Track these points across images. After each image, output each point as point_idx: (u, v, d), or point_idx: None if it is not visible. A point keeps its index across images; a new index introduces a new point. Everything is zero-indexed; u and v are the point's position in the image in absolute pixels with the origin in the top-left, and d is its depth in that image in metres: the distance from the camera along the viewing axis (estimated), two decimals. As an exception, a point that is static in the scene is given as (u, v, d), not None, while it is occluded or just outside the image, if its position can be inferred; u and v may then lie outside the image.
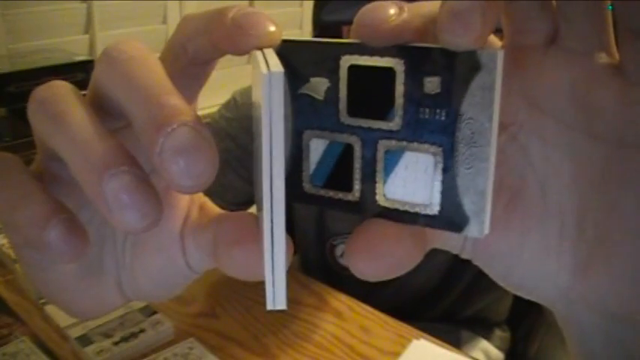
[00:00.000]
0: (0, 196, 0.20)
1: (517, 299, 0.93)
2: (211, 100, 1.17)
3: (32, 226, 0.19)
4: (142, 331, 0.68)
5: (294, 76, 0.21)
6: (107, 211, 0.18)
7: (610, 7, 0.19)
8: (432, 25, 0.19)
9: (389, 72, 0.20)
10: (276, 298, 0.19)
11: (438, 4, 0.18)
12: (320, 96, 0.21)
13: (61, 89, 0.21)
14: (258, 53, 0.19)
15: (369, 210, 0.21)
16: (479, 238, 0.21)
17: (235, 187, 0.85)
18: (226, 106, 0.90)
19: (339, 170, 0.21)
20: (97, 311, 0.25)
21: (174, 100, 0.18)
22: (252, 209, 0.24)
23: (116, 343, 0.66)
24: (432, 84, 0.19)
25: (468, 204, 0.20)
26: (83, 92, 0.21)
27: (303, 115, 0.21)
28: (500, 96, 0.18)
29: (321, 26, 0.79)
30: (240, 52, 0.20)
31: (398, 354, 0.68)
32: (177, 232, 0.24)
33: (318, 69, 0.21)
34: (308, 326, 0.73)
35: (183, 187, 0.18)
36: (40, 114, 0.20)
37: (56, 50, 1.53)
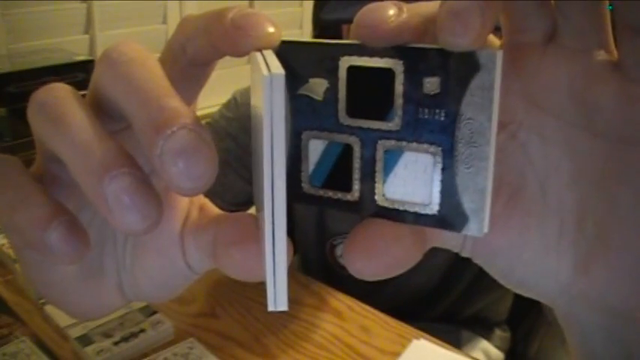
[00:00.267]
0: (0, 197, 0.20)
1: (517, 299, 0.93)
2: (211, 100, 1.17)
3: (33, 228, 0.19)
4: (142, 331, 0.68)
5: (293, 77, 0.21)
6: (108, 213, 0.18)
7: (610, 7, 0.19)
8: (431, 26, 0.19)
9: (388, 72, 0.20)
10: (278, 299, 0.19)
11: (437, 4, 0.18)
12: (319, 97, 0.21)
13: (61, 91, 0.21)
14: (258, 54, 0.19)
15: (368, 209, 0.21)
16: (479, 237, 0.21)
17: (235, 187, 0.85)
18: (227, 106, 0.90)
19: (338, 170, 0.21)
20: (97, 312, 0.25)
21: (174, 102, 0.18)
22: (252, 210, 0.24)
23: (116, 343, 0.66)
24: (431, 84, 0.19)
25: (467, 203, 0.20)
26: (83, 92, 0.21)
27: (302, 115, 0.21)
28: (499, 95, 0.19)
29: (321, 25, 0.79)
30: (239, 53, 0.20)
31: (398, 354, 0.68)
32: (177, 233, 0.24)
33: (316, 70, 0.21)
34: (308, 326, 0.73)
35: (183, 189, 0.18)
36: (40, 116, 0.20)
37: (56, 50, 1.53)
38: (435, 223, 0.20)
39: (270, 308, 0.19)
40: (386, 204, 0.21)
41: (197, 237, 0.23)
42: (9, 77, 1.34)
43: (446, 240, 0.23)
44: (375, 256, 0.21)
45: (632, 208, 0.20)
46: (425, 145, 0.20)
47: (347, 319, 0.74)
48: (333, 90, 0.21)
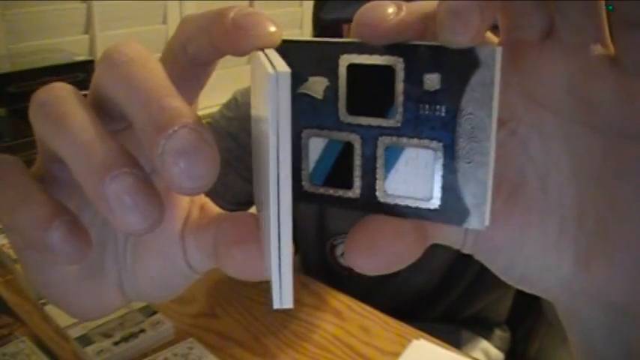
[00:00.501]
0: (1, 198, 0.20)
1: (517, 299, 0.93)
2: (212, 99, 1.17)
3: (34, 228, 0.19)
4: (142, 331, 0.68)
5: (293, 76, 0.21)
6: (109, 213, 0.18)
7: (610, 7, 0.19)
8: (430, 24, 0.19)
9: (388, 70, 0.20)
10: (283, 297, 0.19)
11: (435, 2, 0.19)
12: (319, 95, 0.21)
13: (62, 91, 0.21)
14: (260, 54, 0.19)
15: (369, 206, 0.21)
16: (480, 233, 0.21)
17: (236, 187, 0.85)
18: (227, 105, 0.90)
19: (338, 168, 0.21)
20: (98, 312, 0.25)
21: (175, 102, 0.18)
22: (253, 209, 0.24)
23: (116, 343, 0.66)
24: (431, 81, 0.19)
25: (468, 197, 0.20)
26: (84, 92, 0.21)
27: (302, 114, 0.21)
28: (499, 91, 0.19)
29: (321, 25, 0.79)
30: (240, 52, 0.20)
31: (398, 354, 0.67)
32: (178, 232, 0.24)
33: (316, 68, 0.21)
34: (308, 326, 0.73)
35: (184, 188, 0.18)
36: (42, 116, 0.20)
37: (56, 50, 1.53)
38: (437, 217, 0.21)
39: (276, 306, 0.19)
40: (387, 200, 0.21)
41: (198, 237, 0.23)
42: (9, 77, 1.34)
43: (447, 236, 0.23)
44: (376, 251, 0.21)
45: (631, 203, 0.20)
46: (426, 141, 0.20)
47: (347, 319, 0.74)
48: (333, 88, 0.21)
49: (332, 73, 0.21)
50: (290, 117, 0.17)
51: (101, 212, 0.18)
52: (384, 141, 0.20)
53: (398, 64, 0.20)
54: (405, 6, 0.20)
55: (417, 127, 0.20)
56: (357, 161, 0.21)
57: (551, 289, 0.22)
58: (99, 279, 0.24)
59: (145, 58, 0.20)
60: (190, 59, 0.22)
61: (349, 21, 0.23)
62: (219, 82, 0.89)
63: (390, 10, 0.19)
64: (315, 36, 0.83)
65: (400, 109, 0.20)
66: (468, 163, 0.20)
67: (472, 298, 0.90)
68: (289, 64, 0.17)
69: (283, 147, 0.17)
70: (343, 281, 0.82)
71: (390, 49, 0.20)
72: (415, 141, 0.20)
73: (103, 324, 0.69)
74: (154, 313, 0.71)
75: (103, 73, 0.20)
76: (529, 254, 0.22)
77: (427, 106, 0.20)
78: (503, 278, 0.23)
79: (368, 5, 0.20)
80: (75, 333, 0.67)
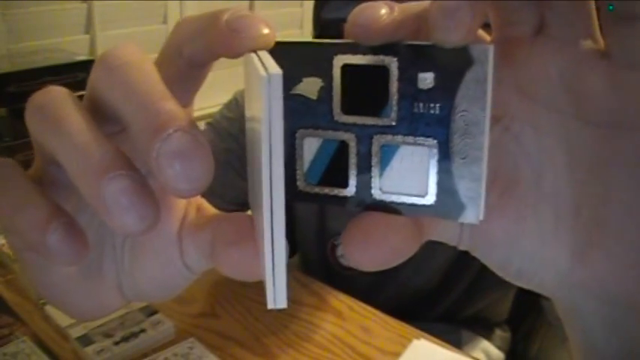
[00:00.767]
0: None
1: (518, 299, 0.93)
2: (212, 100, 1.17)
3: (32, 230, 0.19)
4: (142, 330, 0.68)
5: (286, 77, 0.21)
6: (106, 215, 0.18)
7: (610, 7, 0.19)
8: (423, 24, 0.20)
9: (382, 70, 0.20)
10: (277, 297, 0.19)
11: (428, 2, 0.19)
12: (313, 95, 0.21)
13: (58, 94, 0.21)
14: (253, 56, 0.19)
15: (365, 204, 0.22)
16: (475, 227, 0.22)
17: (236, 187, 0.85)
18: (228, 106, 0.91)
19: (333, 167, 0.22)
20: (97, 313, 0.25)
21: (170, 105, 0.18)
22: (253, 209, 0.25)
23: (117, 343, 0.66)
24: (425, 79, 0.20)
25: (463, 191, 0.20)
26: (83, 92, 0.21)
27: (296, 114, 0.21)
28: (492, 87, 0.19)
29: (321, 25, 0.79)
30: (234, 54, 0.20)
31: (398, 354, 0.68)
32: (175, 233, 0.24)
33: (310, 69, 0.21)
34: (308, 326, 0.73)
35: (179, 190, 0.18)
36: (38, 119, 0.21)
37: (56, 50, 1.53)
38: (433, 212, 0.21)
39: (270, 306, 0.19)
40: (383, 197, 0.21)
41: (195, 237, 0.23)
42: (9, 77, 1.34)
43: (443, 232, 0.23)
44: (372, 246, 0.21)
45: (625, 193, 0.20)
46: (421, 139, 0.20)
47: (347, 319, 0.74)
48: (327, 88, 0.21)
49: (326, 74, 0.21)
50: (282, 119, 0.17)
51: (98, 214, 0.18)
52: (379, 139, 0.21)
53: (392, 63, 0.20)
54: (397, 6, 0.20)
55: (411, 125, 0.20)
56: (353, 160, 0.21)
57: (549, 283, 0.22)
58: (97, 280, 0.24)
59: (141, 62, 0.20)
60: (186, 61, 0.22)
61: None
62: (219, 82, 0.90)
63: (383, 10, 0.20)
64: (316, 36, 0.83)
65: (395, 108, 0.20)
66: (463, 158, 0.20)
67: (472, 297, 0.90)
68: (283, 65, 0.17)
69: (275, 149, 0.17)
70: (344, 281, 0.82)
71: (384, 49, 0.20)
72: (410, 138, 0.20)
73: (103, 324, 0.69)
74: (155, 312, 0.71)
75: (99, 77, 0.20)
76: (525, 248, 0.22)
77: (421, 104, 0.20)
78: (501, 274, 0.23)
79: (361, 6, 0.20)
80: (75, 333, 0.67)
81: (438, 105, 0.20)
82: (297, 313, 0.74)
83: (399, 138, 0.21)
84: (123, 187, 0.18)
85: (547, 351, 0.91)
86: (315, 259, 0.93)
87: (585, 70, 0.20)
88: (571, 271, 0.21)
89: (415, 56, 0.20)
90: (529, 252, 0.22)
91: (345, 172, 0.21)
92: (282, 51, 0.20)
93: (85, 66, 1.43)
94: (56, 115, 0.20)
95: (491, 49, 0.19)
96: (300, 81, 0.21)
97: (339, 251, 0.89)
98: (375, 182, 0.21)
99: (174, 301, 0.74)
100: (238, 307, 0.76)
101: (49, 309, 0.71)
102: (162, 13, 1.83)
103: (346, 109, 0.21)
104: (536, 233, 0.22)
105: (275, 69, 0.17)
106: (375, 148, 0.21)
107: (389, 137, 0.21)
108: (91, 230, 0.23)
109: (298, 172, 0.22)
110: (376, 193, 0.21)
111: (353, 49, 0.20)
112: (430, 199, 0.21)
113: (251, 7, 1.81)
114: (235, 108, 0.89)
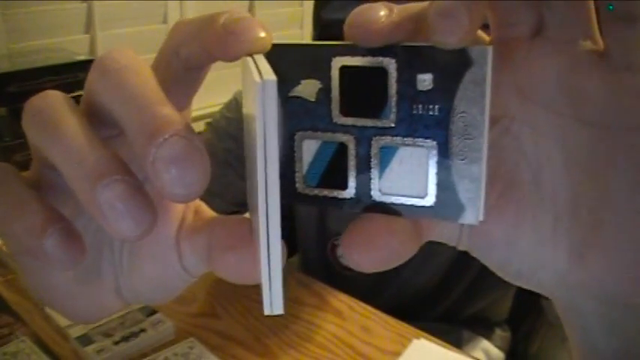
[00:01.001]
0: None
1: (518, 299, 0.93)
2: (211, 100, 1.17)
3: (29, 235, 0.19)
4: (142, 330, 0.68)
5: (284, 80, 0.21)
6: (102, 220, 0.18)
7: (610, 7, 0.19)
8: (421, 25, 0.20)
9: (381, 71, 0.20)
10: (274, 303, 0.19)
11: (426, 4, 0.19)
12: (311, 98, 0.21)
13: (54, 98, 0.21)
14: (249, 60, 0.19)
15: (365, 205, 0.22)
16: (475, 228, 0.22)
17: (236, 187, 0.85)
18: (227, 106, 0.91)
19: (332, 169, 0.22)
20: (96, 315, 0.25)
21: (166, 110, 0.18)
22: (252, 210, 0.25)
23: (116, 343, 0.66)
24: (424, 81, 0.20)
25: (462, 193, 0.20)
26: (80, 93, 0.21)
27: (295, 117, 0.21)
28: (490, 89, 0.19)
29: (322, 25, 0.79)
30: (231, 57, 0.20)
31: (398, 353, 0.68)
32: (173, 236, 0.24)
33: (308, 71, 0.21)
34: (309, 326, 0.73)
35: (175, 195, 0.18)
36: (34, 124, 0.21)
37: (57, 50, 1.53)
38: (432, 214, 0.21)
39: (267, 312, 0.19)
40: (382, 199, 0.21)
41: (193, 241, 0.23)
42: (9, 77, 1.34)
43: (442, 233, 0.23)
44: (372, 248, 0.21)
45: (623, 192, 0.20)
46: (420, 140, 0.20)
47: (348, 319, 0.74)
48: (325, 90, 0.21)
49: (324, 76, 0.21)
50: (276, 124, 0.17)
51: (95, 219, 0.18)
52: (378, 141, 0.21)
53: (390, 65, 0.20)
54: (396, 8, 0.20)
55: (411, 126, 0.20)
56: (352, 161, 0.21)
57: (548, 283, 0.22)
58: (96, 282, 0.24)
59: (137, 66, 0.20)
60: (183, 64, 0.22)
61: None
62: (219, 82, 0.90)
63: (382, 12, 0.20)
64: (316, 36, 0.83)
65: (394, 110, 0.20)
66: (462, 160, 0.20)
67: (473, 297, 0.90)
68: (281, 67, 0.17)
69: (270, 154, 0.17)
70: (344, 281, 0.82)
71: (383, 50, 0.20)
72: (409, 140, 0.20)
73: (103, 323, 0.69)
74: (155, 312, 0.71)
75: (95, 80, 0.20)
76: (524, 248, 0.22)
77: (420, 106, 0.20)
78: (500, 274, 0.23)
79: (359, 8, 0.20)
80: (75, 332, 0.67)
81: (437, 106, 0.20)
82: (298, 313, 0.74)
83: (399, 139, 0.21)
84: (118, 193, 0.18)
85: (547, 351, 0.91)
86: (316, 259, 0.93)
87: (584, 71, 0.20)
88: (569, 272, 0.21)
89: (414, 58, 0.20)
90: (528, 252, 0.22)
91: (344, 173, 0.21)
92: (280, 53, 0.20)
93: (86, 66, 1.42)
94: (52, 119, 0.20)
95: (489, 50, 0.19)
96: (299, 83, 0.21)
97: (340, 251, 0.89)
98: (375, 184, 0.21)
99: (174, 301, 0.74)
100: (239, 307, 0.75)
101: (49, 309, 0.71)
102: (162, 13, 1.83)
103: (345, 111, 0.21)
104: (535, 233, 0.22)
105: (269, 75, 0.17)
106: (374, 150, 0.21)
107: (388, 139, 0.21)
108: (89, 233, 0.23)
109: (297, 174, 0.22)
110: (376, 195, 0.21)
111: (351, 50, 0.20)
112: (430, 200, 0.21)
113: (251, 7, 1.81)
114: (235, 108, 0.89)
